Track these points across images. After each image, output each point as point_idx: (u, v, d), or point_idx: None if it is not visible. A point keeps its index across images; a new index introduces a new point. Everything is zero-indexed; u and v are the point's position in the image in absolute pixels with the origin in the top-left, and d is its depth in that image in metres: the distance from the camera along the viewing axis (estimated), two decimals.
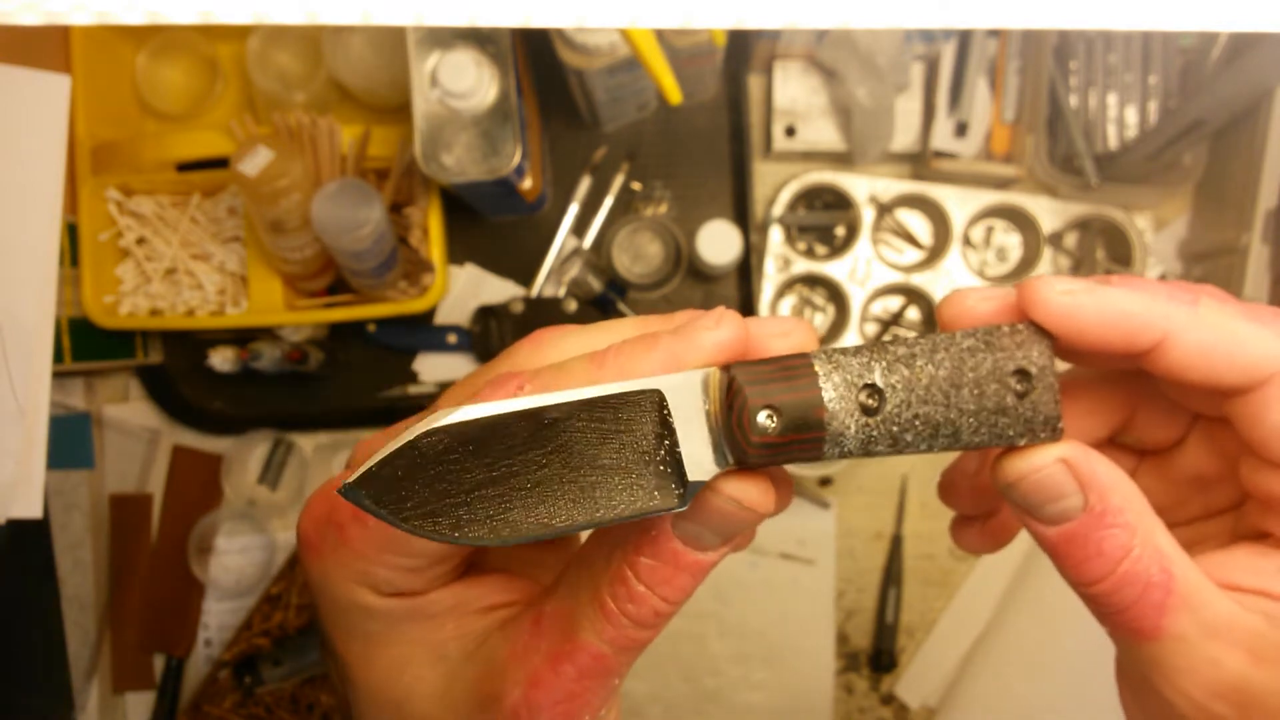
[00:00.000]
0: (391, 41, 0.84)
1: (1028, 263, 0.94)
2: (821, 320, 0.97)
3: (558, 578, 0.31)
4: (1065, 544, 0.28)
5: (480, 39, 0.75)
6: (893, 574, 0.95)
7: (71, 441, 0.92)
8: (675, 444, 0.27)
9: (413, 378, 0.95)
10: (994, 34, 0.91)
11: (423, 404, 0.94)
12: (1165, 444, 0.33)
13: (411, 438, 0.24)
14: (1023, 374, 0.28)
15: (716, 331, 0.28)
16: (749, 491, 0.28)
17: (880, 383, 0.27)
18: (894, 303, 0.97)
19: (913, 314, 0.97)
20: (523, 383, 0.28)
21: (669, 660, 0.95)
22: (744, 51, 0.93)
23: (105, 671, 0.94)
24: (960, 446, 0.28)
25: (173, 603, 0.95)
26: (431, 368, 0.95)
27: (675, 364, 0.28)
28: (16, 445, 0.66)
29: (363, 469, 0.24)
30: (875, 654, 0.95)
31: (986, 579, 0.95)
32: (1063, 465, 0.27)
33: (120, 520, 0.95)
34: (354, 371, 0.95)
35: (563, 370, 0.28)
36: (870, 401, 0.27)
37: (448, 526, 0.25)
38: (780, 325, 0.30)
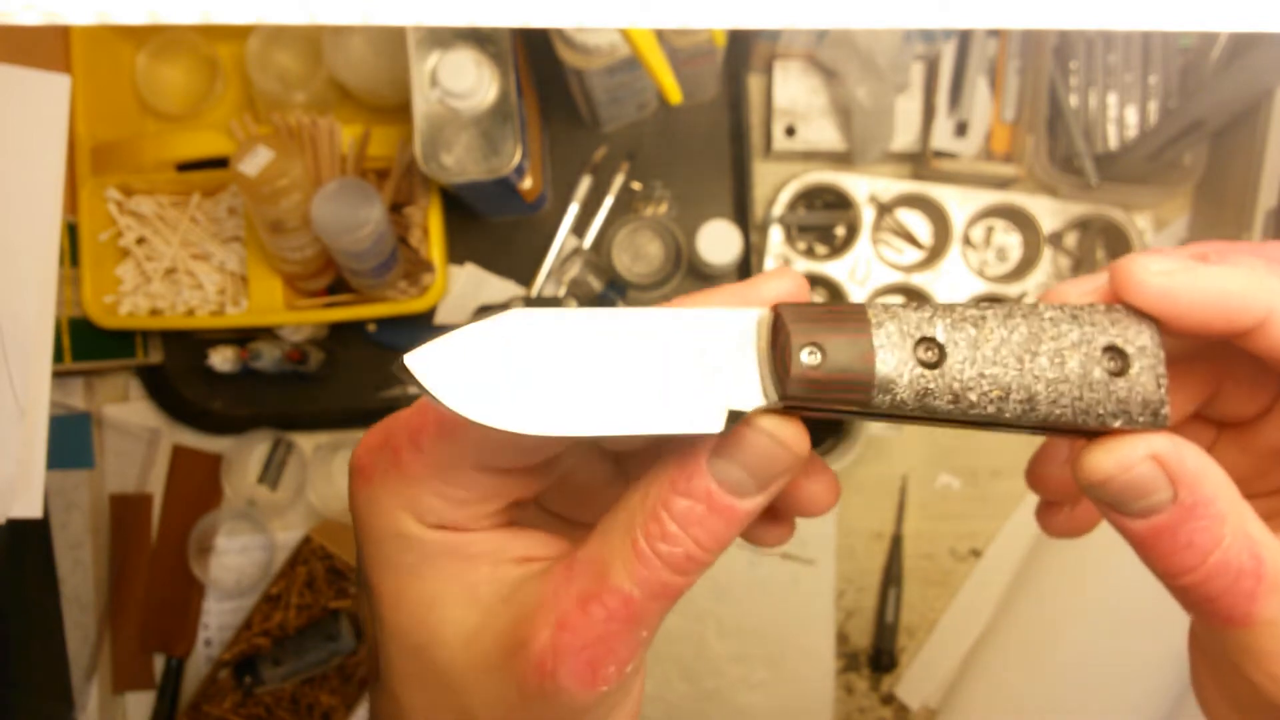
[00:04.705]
0: (391, 41, 0.84)
1: (1028, 263, 0.94)
2: None
3: (594, 527, 0.31)
4: (1153, 538, 0.27)
5: (480, 39, 0.75)
6: (893, 574, 0.95)
7: (71, 441, 0.92)
8: (721, 372, 0.27)
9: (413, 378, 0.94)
10: (994, 34, 0.91)
11: None
12: (1250, 416, 0.32)
13: (460, 331, 0.26)
14: (1116, 351, 0.27)
15: (779, 281, 0.29)
16: (783, 427, 0.27)
17: (941, 337, 0.27)
18: (894, 302, 0.97)
19: None
20: None
21: (669, 660, 0.95)
22: (744, 51, 0.93)
23: (105, 671, 0.94)
24: (1039, 419, 0.27)
25: (173, 603, 0.95)
26: None
27: (738, 306, 0.29)
28: (16, 445, 0.66)
29: (414, 351, 0.26)
30: (875, 654, 0.95)
31: (987, 579, 0.95)
32: (1153, 462, 0.26)
33: (120, 520, 0.95)
34: (354, 371, 0.95)
35: None
36: (928, 355, 0.27)
37: (478, 408, 0.26)
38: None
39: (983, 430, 0.28)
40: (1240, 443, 0.33)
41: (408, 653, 0.31)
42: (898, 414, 0.27)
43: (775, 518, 0.33)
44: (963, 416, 0.27)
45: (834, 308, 0.27)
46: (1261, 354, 0.28)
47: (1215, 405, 0.33)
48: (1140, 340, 0.27)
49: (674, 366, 0.27)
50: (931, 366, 0.27)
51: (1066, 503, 0.36)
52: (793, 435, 0.28)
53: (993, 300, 0.93)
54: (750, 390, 0.27)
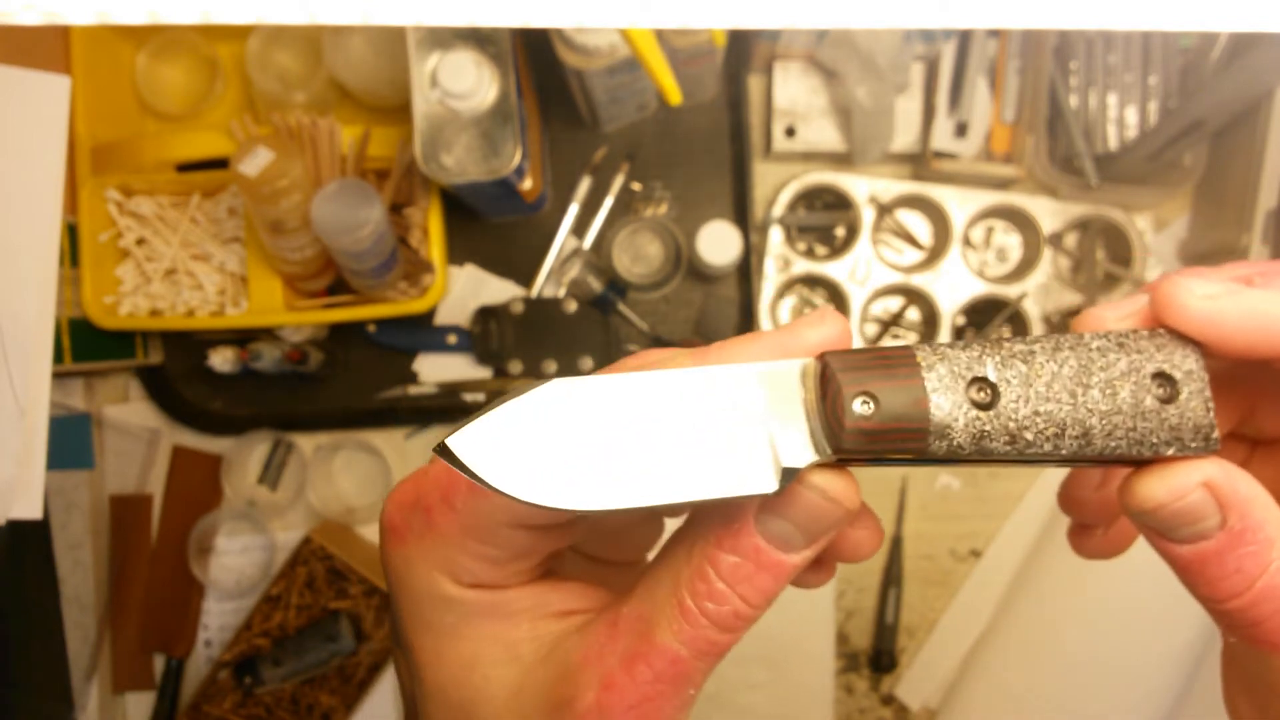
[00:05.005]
0: (391, 41, 0.84)
1: (1028, 263, 0.94)
2: None
3: (636, 582, 0.30)
4: (1199, 563, 0.27)
5: (480, 39, 0.75)
6: (893, 574, 0.95)
7: (71, 441, 0.92)
8: (769, 429, 0.26)
9: (413, 378, 0.95)
10: (994, 34, 0.91)
11: (422, 405, 0.94)
12: None
13: (501, 408, 0.25)
14: (1164, 378, 0.26)
15: (821, 327, 0.28)
16: (835, 483, 0.27)
17: (993, 376, 0.26)
18: (894, 303, 0.97)
19: (913, 314, 0.97)
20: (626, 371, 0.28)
21: None
22: (744, 51, 0.93)
23: (105, 671, 0.94)
24: (1094, 454, 0.26)
25: (173, 603, 0.95)
26: (431, 368, 0.95)
27: (779, 355, 0.28)
28: (16, 446, 0.66)
29: (454, 433, 0.25)
30: (875, 654, 0.95)
31: (987, 579, 0.95)
32: (1205, 489, 0.26)
33: (120, 520, 0.95)
34: (354, 372, 0.95)
35: (665, 362, 0.29)
36: (981, 396, 0.26)
37: (528, 489, 0.25)
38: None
39: (1030, 467, 0.27)
40: (1275, 460, 0.32)
41: (449, 710, 0.31)
42: (953, 459, 0.26)
43: (817, 563, 0.32)
44: (1018, 457, 0.26)
45: (881, 352, 0.27)
46: None
47: (1250, 423, 0.32)
48: (1187, 365, 0.27)
49: (719, 426, 0.26)
50: (986, 408, 0.26)
51: (1100, 525, 0.35)
52: (844, 490, 0.27)
53: (994, 301, 0.93)
54: (799, 445, 0.26)
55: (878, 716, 0.96)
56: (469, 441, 0.25)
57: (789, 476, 0.26)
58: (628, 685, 0.27)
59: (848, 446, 0.26)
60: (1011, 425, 0.26)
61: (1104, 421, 0.26)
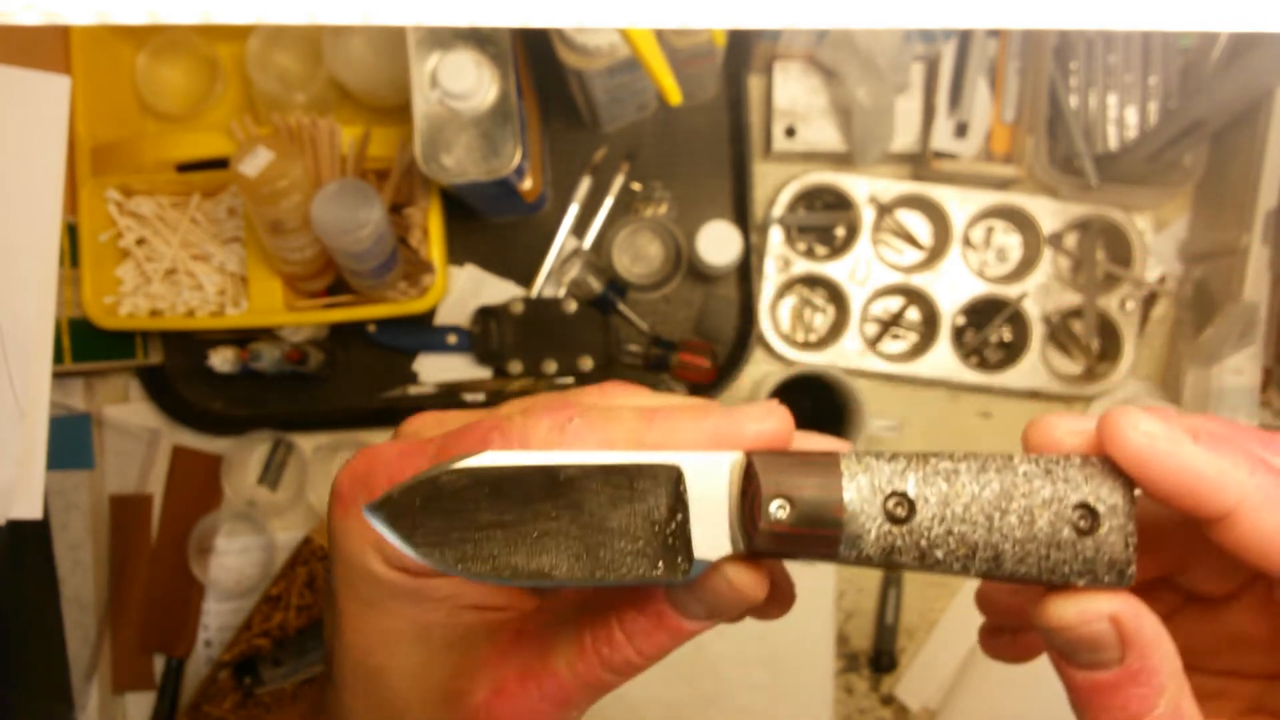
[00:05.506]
0: (391, 41, 0.84)
1: (1028, 263, 0.94)
2: (821, 321, 0.97)
3: (552, 600, 0.32)
4: (1090, 691, 0.28)
5: (480, 39, 0.75)
6: (893, 575, 0.95)
7: (71, 442, 0.92)
8: (687, 520, 0.27)
9: (413, 378, 0.95)
10: (994, 34, 0.91)
11: (423, 405, 0.94)
12: (1215, 596, 0.33)
13: (434, 474, 0.26)
14: (1087, 509, 0.27)
15: (761, 422, 0.29)
16: (745, 577, 0.28)
17: (912, 492, 0.27)
18: (894, 303, 0.97)
19: (913, 314, 0.97)
20: (573, 414, 0.29)
21: (668, 662, 0.95)
22: (744, 51, 0.93)
23: (105, 671, 0.94)
24: (1005, 575, 0.27)
25: (173, 603, 0.95)
26: (431, 368, 0.95)
27: (716, 441, 0.29)
28: (16, 446, 0.66)
29: (385, 494, 0.26)
30: (875, 655, 0.95)
31: None
32: (1110, 623, 0.27)
33: (120, 520, 0.95)
34: (354, 372, 0.95)
35: (612, 414, 0.29)
36: (898, 510, 0.27)
37: (452, 557, 0.26)
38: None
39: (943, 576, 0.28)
40: (1202, 619, 0.33)
41: (359, 671, 0.33)
42: (863, 565, 0.27)
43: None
44: (928, 571, 0.27)
45: (807, 457, 0.27)
46: (1222, 545, 0.27)
47: (1184, 576, 0.33)
48: (1113, 499, 0.27)
49: (643, 511, 0.27)
50: (900, 522, 0.27)
51: (1010, 628, 0.36)
52: (752, 584, 0.28)
53: (994, 301, 0.93)
54: (718, 537, 0.27)
55: (878, 717, 0.96)
56: (387, 505, 0.26)
57: (701, 567, 0.27)
58: (517, 695, 0.30)
59: (760, 546, 0.27)
60: (923, 543, 0.27)
61: (1017, 548, 0.27)
